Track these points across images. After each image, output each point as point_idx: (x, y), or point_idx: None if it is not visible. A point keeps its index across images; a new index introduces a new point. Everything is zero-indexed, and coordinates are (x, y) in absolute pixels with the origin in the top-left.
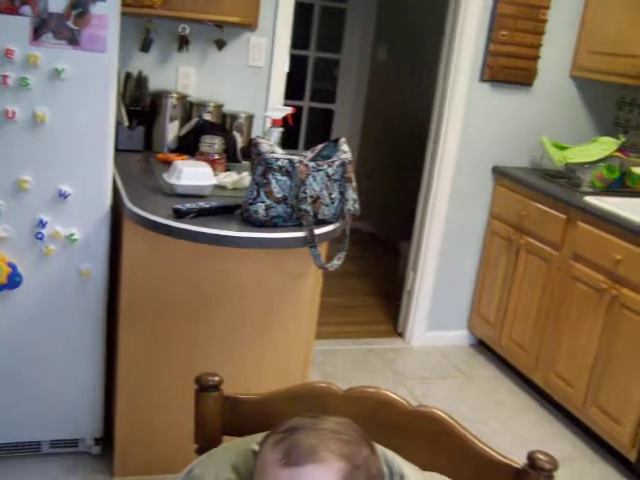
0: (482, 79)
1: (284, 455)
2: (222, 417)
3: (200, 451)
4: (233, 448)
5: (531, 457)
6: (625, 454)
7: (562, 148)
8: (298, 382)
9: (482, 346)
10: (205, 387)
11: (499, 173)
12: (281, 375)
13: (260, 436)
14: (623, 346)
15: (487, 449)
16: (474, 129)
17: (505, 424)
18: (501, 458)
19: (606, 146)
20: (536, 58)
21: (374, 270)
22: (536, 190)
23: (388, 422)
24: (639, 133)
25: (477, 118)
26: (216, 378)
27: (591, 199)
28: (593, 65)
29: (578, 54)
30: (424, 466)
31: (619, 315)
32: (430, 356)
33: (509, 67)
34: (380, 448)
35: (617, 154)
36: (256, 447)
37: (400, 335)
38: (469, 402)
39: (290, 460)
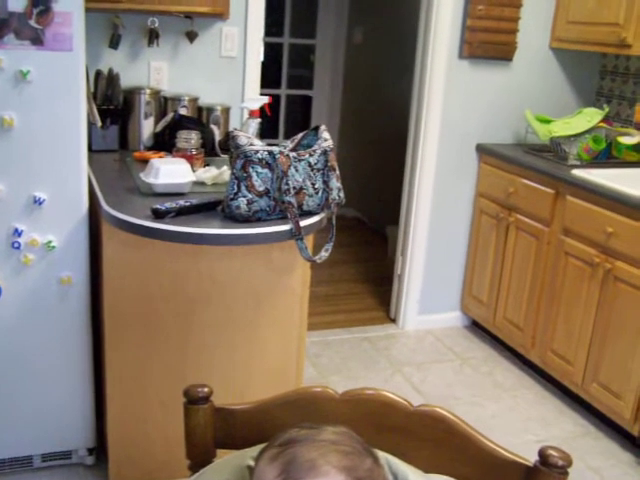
0: (461, 56)
1: (282, 470)
2: (214, 430)
3: (193, 467)
4: (227, 465)
5: (543, 454)
6: (628, 429)
7: (546, 121)
8: (293, 377)
9: (476, 327)
10: (194, 400)
11: (483, 150)
12: (275, 371)
13: (255, 450)
14: (620, 320)
15: (494, 447)
16: (455, 107)
17: (504, 405)
18: (510, 456)
19: (591, 117)
20: (515, 32)
21: (361, 256)
22: (522, 166)
23: (389, 424)
24: (622, 102)
25: (458, 96)
26: (205, 389)
27: (579, 172)
28: (572, 35)
29: (556, 25)
30: (429, 468)
31: (614, 288)
32: (425, 340)
33: (488, 42)
34: (383, 455)
35: (602, 124)
36: (252, 462)
37: (393, 321)
38: (466, 385)
39: (289, 476)
